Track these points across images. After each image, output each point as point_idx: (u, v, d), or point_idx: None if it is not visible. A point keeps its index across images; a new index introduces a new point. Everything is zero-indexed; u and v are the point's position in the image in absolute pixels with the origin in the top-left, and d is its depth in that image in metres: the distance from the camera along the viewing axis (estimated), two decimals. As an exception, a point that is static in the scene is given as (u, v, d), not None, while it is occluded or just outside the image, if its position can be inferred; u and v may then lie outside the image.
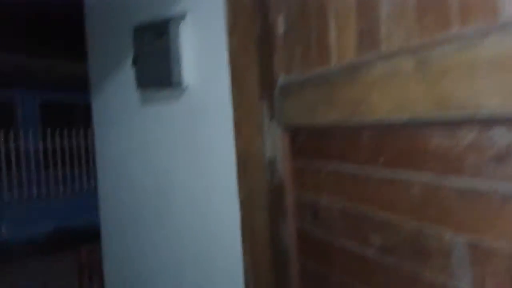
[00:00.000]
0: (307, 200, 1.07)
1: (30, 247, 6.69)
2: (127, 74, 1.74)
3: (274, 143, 1.16)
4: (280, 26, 1.11)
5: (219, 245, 1.49)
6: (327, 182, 0.96)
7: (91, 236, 2.61)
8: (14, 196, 6.74)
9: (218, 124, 1.46)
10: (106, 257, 2.06)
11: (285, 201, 1.14)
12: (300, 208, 1.12)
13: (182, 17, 1.52)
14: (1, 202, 6.58)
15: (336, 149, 0.92)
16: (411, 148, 0.72)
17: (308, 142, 1.04)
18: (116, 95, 1.87)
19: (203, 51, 1.50)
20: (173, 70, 1.51)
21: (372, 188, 0.82)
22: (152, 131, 1.73)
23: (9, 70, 6.26)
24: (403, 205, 0.75)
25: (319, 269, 1.04)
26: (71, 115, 8.17)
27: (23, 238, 6.64)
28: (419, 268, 0.72)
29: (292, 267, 1.14)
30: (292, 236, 1.14)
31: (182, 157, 1.62)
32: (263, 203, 1.27)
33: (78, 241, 6.10)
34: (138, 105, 1.75)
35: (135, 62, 1.62)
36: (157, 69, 1.55)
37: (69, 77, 6.65)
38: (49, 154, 7.10)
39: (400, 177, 0.75)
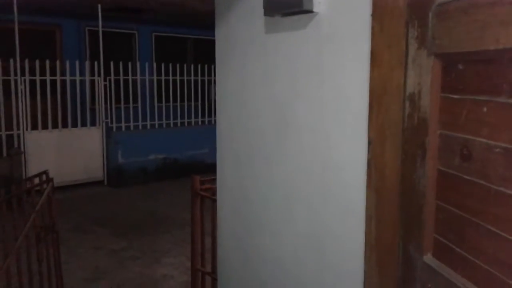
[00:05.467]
0: (456, 140, 0.95)
1: (142, 174, 7.28)
2: (253, 1, 1.68)
3: (420, 76, 1.04)
4: None
5: (340, 180, 1.43)
6: (490, 118, 0.84)
7: (196, 170, 2.72)
8: (130, 126, 7.28)
9: (349, 55, 1.36)
10: (220, 187, 2.12)
11: (427, 140, 1.03)
12: (444, 149, 1.00)
13: None
14: (119, 131, 7.15)
15: (509, 79, 0.79)
16: None
17: (468, 73, 0.91)
18: (240, 24, 1.83)
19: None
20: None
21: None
22: (274, 61, 1.67)
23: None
24: None
25: (463, 214, 0.94)
26: (182, 50, 8.48)
27: (135, 165, 7.23)
28: None
29: (427, 209, 1.05)
30: (432, 178, 1.03)
31: (305, 89, 1.56)
32: (396, 142, 1.17)
33: (184, 173, 6.51)
34: (261, 34, 1.70)
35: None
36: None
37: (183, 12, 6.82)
38: (162, 88, 7.47)
39: None
